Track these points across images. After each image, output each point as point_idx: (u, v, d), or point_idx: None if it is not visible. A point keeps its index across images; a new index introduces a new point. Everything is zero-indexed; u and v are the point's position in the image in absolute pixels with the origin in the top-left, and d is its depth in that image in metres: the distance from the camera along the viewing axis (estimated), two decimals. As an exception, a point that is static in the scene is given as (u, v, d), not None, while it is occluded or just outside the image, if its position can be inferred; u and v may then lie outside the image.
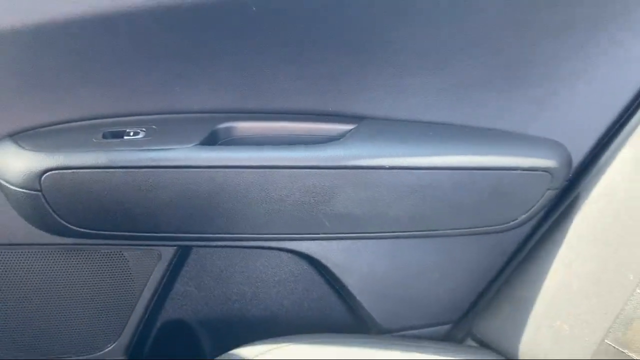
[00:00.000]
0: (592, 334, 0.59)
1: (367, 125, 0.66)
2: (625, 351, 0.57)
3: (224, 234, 0.64)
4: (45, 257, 0.65)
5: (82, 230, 0.61)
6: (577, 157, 0.68)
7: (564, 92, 0.66)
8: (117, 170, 0.58)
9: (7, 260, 0.65)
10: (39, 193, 0.58)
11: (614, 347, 0.58)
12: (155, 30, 0.59)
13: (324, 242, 0.66)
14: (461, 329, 0.73)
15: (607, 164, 0.66)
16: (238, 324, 0.70)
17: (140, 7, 0.57)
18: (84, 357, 0.67)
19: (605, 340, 0.58)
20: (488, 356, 0.68)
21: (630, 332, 0.58)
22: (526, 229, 0.68)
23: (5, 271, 0.65)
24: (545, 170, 0.64)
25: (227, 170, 0.61)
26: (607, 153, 0.67)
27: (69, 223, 0.60)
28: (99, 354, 0.68)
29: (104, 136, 0.61)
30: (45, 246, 0.64)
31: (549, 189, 0.65)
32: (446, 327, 0.72)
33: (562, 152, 0.66)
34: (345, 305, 0.70)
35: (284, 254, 0.69)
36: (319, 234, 0.65)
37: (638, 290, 0.57)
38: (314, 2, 0.61)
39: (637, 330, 0.57)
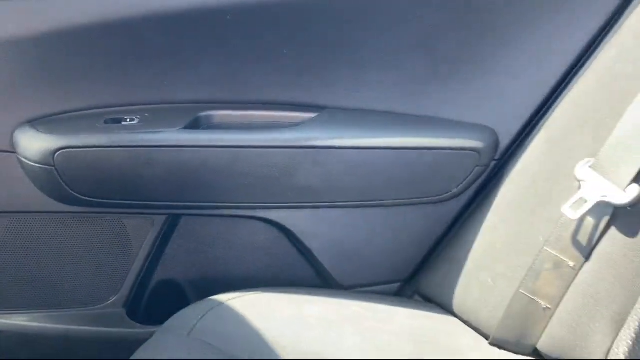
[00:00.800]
0: (509, 285, 0.71)
1: (326, 113, 0.78)
2: (535, 298, 0.69)
3: (206, 202, 0.76)
4: (57, 223, 0.77)
5: (88, 199, 0.73)
6: (505, 140, 0.79)
7: (494, 85, 0.78)
8: (117, 149, 0.71)
9: (24, 226, 0.77)
10: (53, 168, 0.71)
11: (526, 295, 0.69)
12: (148, 35, 0.72)
13: (290, 211, 0.78)
14: (409, 287, 0.84)
15: (528, 144, 0.77)
16: (219, 283, 0.81)
17: (136, 16, 0.70)
18: (90, 308, 0.80)
19: (520, 290, 0.70)
20: (431, 308, 0.79)
21: (538, 282, 0.69)
22: (462, 200, 0.80)
23: (23, 235, 0.77)
24: (473, 150, 0.76)
25: (207, 149, 0.73)
26: (530, 136, 0.78)
27: (78, 193, 0.73)
28: (102, 305, 0.80)
29: (106, 122, 0.73)
30: (57, 214, 0.76)
31: (477, 166, 0.77)
32: (396, 285, 0.83)
33: (489, 135, 0.77)
34: (310, 265, 0.82)
35: (258, 223, 0.80)
36: (284, 203, 0.77)
37: (545, 248, 0.69)
38: (283, 12, 0.73)
39: (543, 280, 0.69)
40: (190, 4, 0.72)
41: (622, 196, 0.64)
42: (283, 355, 0.62)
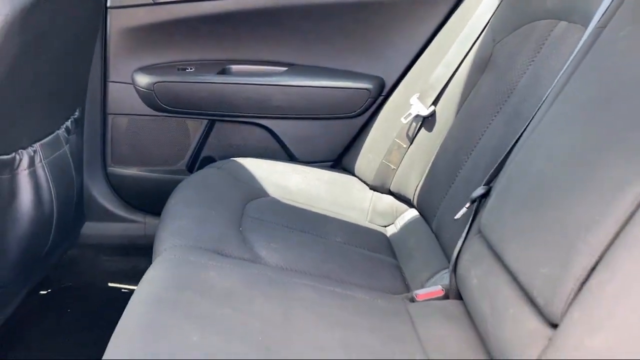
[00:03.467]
0: (378, 159, 1.33)
1: (293, 67, 1.40)
2: (389, 164, 1.31)
3: (228, 113, 1.41)
4: (152, 120, 1.41)
5: (169, 108, 1.38)
6: (389, 84, 1.40)
7: (381, 53, 1.39)
8: (183, 83, 1.36)
9: (136, 121, 1.41)
10: (152, 92, 1.36)
11: (385, 163, 1.32)
12: (202, 26, 1.34)
13: (272, 120, 1.42)
14: (338, 163, 1.48)
15: (397, 87, 1.38)
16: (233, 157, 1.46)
17: (193, 16, 1.33)
18: (169, 167, 1.45)
19: (382, 160, 1.32)
20: (345, 172, 1.43)
21: (391, 156, 1.31)
22: (364, 117, 1.42)
23: (135, 126, 1.42)
24: (367, 89, 1.38)
25: (229, 85, 1.37)
26: (400, 82, 1.39)
27: (164, 105, 1.38)
28: (176, 165, 1.44)
29: (178, 69, 1.37)
30: (152, 116, 1.41)
31: (369, 98, 1.39)
32: (329, 163, 1.47)
33: (378, 81, 1.39)
34: (283, 150, 1.46)
35: (255, 126, 1.44)
36: (268, 115, 1.41)
37: (395, 139, 1.30)
38: (270, 16, 1.35)
39: (393, 155, 1.30)
40: (222, 9, 1.34)
41: (426, 111, 1.25)
42: (262, 182, 1.27)
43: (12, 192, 0.97)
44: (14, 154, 0.96)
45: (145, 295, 0.74)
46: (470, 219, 0.88)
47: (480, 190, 0.87)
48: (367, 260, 1.09)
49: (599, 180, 0.61)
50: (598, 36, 0.77)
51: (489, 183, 0.88)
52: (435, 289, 0.92)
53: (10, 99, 0.89)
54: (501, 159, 0.87)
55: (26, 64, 0.89)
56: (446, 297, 0.90)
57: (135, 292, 0.77)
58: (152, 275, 0.80)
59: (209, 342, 0.66)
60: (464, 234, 0.89)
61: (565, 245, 0.61)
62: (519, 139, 0.85)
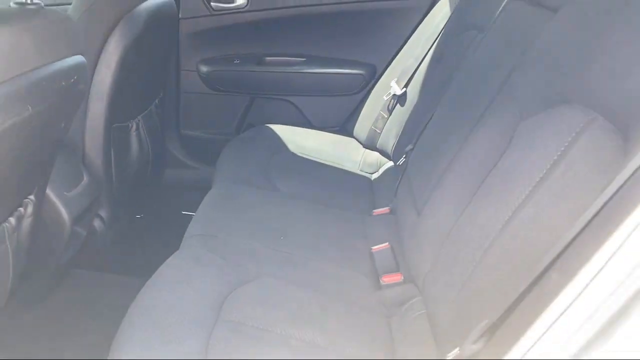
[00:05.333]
0: (369, 124, 1.83)
1: (310, 58, 1.91)
2: (376, 129, 1.81)
3: (264, 91, 1.94)
4: (209, 96, 1.97)
5: (223, 89, 1.94)
6: (379, 69, 1.88)
7: (373, 45, 1.87)
8: (231, 71, 1.90)
9: (196, 98, 1.98)
10: (210, 77, 1.91)
11: (373, 129, 1.82)
12: (242, 28, 1.87)
13: (296, 97, 1.95)
14: (343, 129, 1.99)
15: (373, 71, 1.87)
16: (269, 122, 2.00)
17: (244, 22, 1.86)
18: (220, 129, 2.01)
19: (371, 127, 1.82)
20: (347, 135, 1.94)
21: (377, 123, 1.81)
22: (360, 95, 1.92)
23: (195, 103, 1.98)
24: (360, 74, 1.87)
25: (265, 72, 1.91)
26: (387, 68, 1.87)
27: (220, 86, 1.93)
28: (227, 129, 2.01)
29: (228, 61, 1.91)
30: (211, 94, 1.96)
31: (364, 81, 1.88)
32: (336, 128, 1.98)
33: (371, 67, 1.88)
34: (304, 118, 1.99)
35: (283, 101, 1.97)
36: (293, 93, 1.94)
37: (380, 112, 1.80)
38: (294, 22, 1.86)
39: (378, 122, 1.80)
40: (259, 17, 1.86)
41: (400, 92, 1.73)
42: (285, 141, 1.80)
43: (127, 146, 1.55)
44: (128, 122, 1.54)
45: (205, 204, 1.31)
46: (406, 165, 1.39)
47: (410, 146, 1.38)
48: (350, 194, 1.62)
49: (436, 134, 1.11)
50: (480, 43, 1.25)
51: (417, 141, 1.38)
52: (385, 208, 1.44)
53: (127, 92, 1.45)
54: (425, 125, 1.37)
55: (136, 71, 1.45)
56: (391, 213, 1.42)
57: (200, 204, 1.34)
58: (209, 195, 1.36)
59: (242, 225, 1.22)
60: (401, 175, 1.40)
61: (432, 169, 1.13)
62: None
